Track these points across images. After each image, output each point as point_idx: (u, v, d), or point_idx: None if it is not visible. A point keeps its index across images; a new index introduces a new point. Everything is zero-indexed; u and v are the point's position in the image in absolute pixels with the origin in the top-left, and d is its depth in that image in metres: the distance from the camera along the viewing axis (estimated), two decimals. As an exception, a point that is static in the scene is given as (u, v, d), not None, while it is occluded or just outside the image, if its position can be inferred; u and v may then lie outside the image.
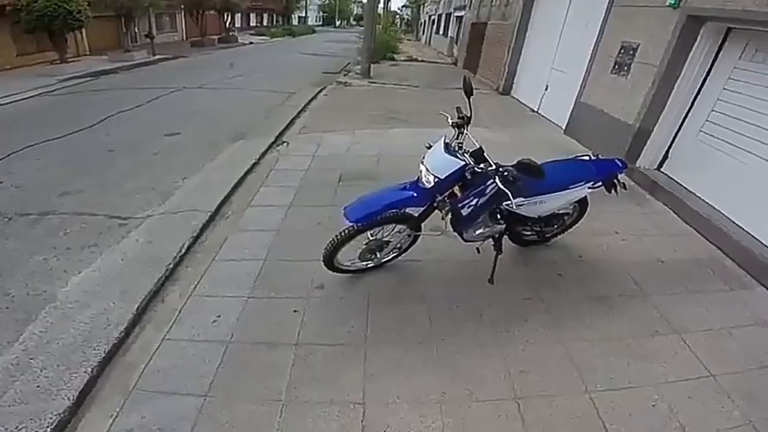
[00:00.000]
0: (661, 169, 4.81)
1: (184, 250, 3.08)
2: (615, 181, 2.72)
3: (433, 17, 25.65)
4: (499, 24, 9.42)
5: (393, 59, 15.01)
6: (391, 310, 2.48)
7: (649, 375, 2.12)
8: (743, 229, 3.53)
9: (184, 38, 22.39)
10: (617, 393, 2.01)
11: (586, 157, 2.80)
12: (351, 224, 2.29)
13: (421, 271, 2.85)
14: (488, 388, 2.02)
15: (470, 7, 12.65)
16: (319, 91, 9.15)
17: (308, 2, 48.87)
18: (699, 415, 1.90)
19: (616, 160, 2.79)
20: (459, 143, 2.26)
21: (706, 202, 4.01)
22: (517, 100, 8.56)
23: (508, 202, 2.22)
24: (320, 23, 55.92)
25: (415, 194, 2.25)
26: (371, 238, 2.52)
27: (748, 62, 3.84)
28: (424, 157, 2.24)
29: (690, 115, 4.43)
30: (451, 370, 2.11)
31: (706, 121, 4.22)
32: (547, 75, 7.34)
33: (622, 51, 5.09)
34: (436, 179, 2.10)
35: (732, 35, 4.01)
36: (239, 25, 28.99)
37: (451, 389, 2.00)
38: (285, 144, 5.54)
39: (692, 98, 4.37)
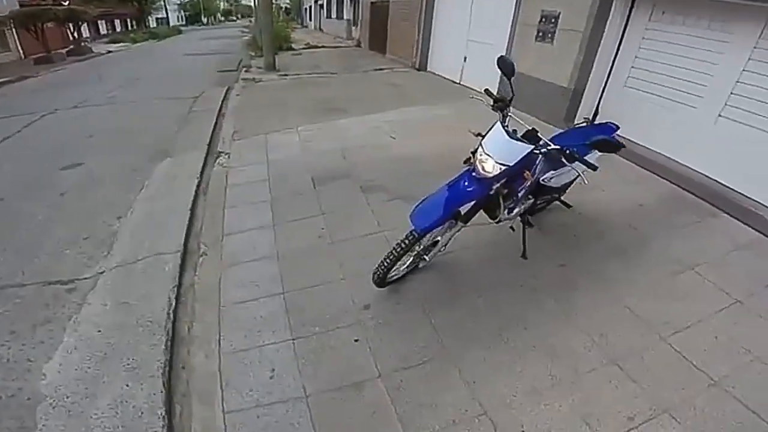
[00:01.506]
0: (595, 122, 5.40)
1: (173, 303, 2.60)
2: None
3: (320, 1, 24.93)
4: (403, 1, 9.51)
5: (292, 49, 14.29)
6: (451, 312, 2.39)
7: (695, 312, 2.38)
8: (684, 164, 4.15)
9: (22, 56, 18.60)
10: (684, 334, 2.23)
11: (584, 124, 2.98)
12: (417, 231, 2.12)
13: (457, 263, 2.80)
14: (586, 359, 2.09)
15: (367, -14, 12.57)
16: (227, 91, 8.35)
17: (166, 2, 44.07)
18: (752, 338, 2.20)
19: (610, 124, 3.02)
20: (507, 126, 2.20)
21: (643, 146, 4.63)
22: (437, 74, 8.81)
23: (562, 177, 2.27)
24: (183, 23, 51.00)
25: (472, 188, 2.15)
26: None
27: (656, 23, 4.44)
28: (479, 147, 2.14)
29: (613, 72, 4.99)
30: (543, 352, 2.13)
31: (629, 76, 4.81)
32: (463, 47, 7.65)
33: (543, 20, 5.50)
34: (504, 167, 2.02)
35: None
36: (87, 35, 25.20)
37: (555, 371, 2.03)
38: (226, 155, 4.95)
39: (614, 57, 4.93)
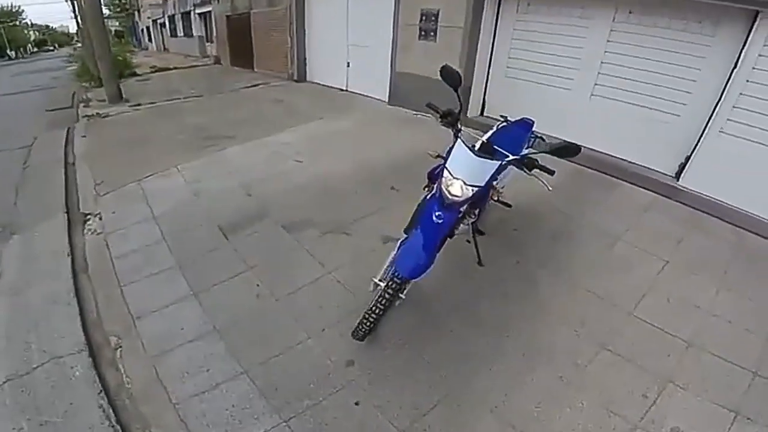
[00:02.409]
0: (484, 114, 5.85)
1: (110, 410, 2.06)
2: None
3: (161, 20, 22.54)
4: (267, 12, 9.13)
5: (135, 74, 12.66)
6: (438, 342, 2.30)
7: (641, 280, 2.71)
8: (573, 142, 4.71)
9: None
10: (644, 303, 2.51)
11: (505, 123, 3.14)
12: (403, 278, 1.96)
13: (421, 290, 2.68)
14: (580, 350, 2.21)
15: (218, 0, 11.73)
16: (69, 133, 7.02)
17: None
18: (694, 293, 2.57)
19: (526, 119, 3.23)
20: (464, 142, 2.14)
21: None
22: (320, 84, 8.67)
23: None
24: (-20, 59, 41.96)
25: (443, 218, 2.00)
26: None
27: (524, 14, 4.98)
28: (442, 171, 2.01)
29: (493, 63, 5.47)
30: (540, 355, 2.20)
31: (508, 66, 5.31)
32: (344, 53, 7.65)
33: (424, 18, 5.77)
34: (476, 189, 1.94)
35: (506, -7, 5.08)
36: None
37: (560, 371, 2.11)
38: (95, 217, 4.10)
39: (491, 49, 5.40)
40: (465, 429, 1.86)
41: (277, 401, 2.01)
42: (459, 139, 2.07)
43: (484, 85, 5.65)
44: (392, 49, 6.37)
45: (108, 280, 3.10)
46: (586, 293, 2.60)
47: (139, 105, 8.72)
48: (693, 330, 2.29)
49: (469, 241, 2.80)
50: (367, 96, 7.35)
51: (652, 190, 3.82)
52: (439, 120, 2.27)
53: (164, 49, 23.88)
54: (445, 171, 1.98)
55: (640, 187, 3.88)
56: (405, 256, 1.94)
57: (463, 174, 1.93)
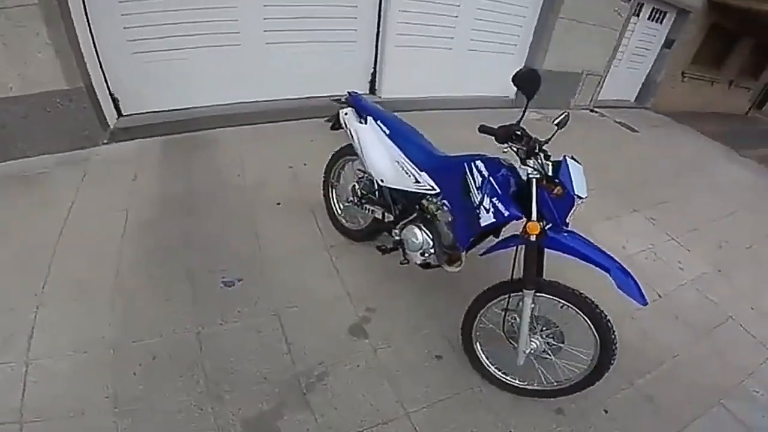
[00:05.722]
0: (123, 114, 4.11)
1: None
2: None
3: None
4: None
5: None
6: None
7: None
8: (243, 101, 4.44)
9: None
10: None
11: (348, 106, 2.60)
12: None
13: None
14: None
15: None
16: None
17: None
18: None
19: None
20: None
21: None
22: None
23: None
24: None
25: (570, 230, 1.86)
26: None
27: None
28: (575, 201, 1.71)
29: (101, 41, 3.68)
30: None
31: (128, 40, 3.77)
32: None
33: None
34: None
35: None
36: None
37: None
38: None
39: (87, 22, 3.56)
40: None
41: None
42: (568, 158, 1.76)
43: (102, 74, 3.79)
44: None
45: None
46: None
47: None
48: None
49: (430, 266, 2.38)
50: None
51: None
52: (504, 146, 1.81)
53: None
54: (577, 199, 1.73)
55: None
56: (633, 287, 1.72)
57: (584, 191, 1.77)
